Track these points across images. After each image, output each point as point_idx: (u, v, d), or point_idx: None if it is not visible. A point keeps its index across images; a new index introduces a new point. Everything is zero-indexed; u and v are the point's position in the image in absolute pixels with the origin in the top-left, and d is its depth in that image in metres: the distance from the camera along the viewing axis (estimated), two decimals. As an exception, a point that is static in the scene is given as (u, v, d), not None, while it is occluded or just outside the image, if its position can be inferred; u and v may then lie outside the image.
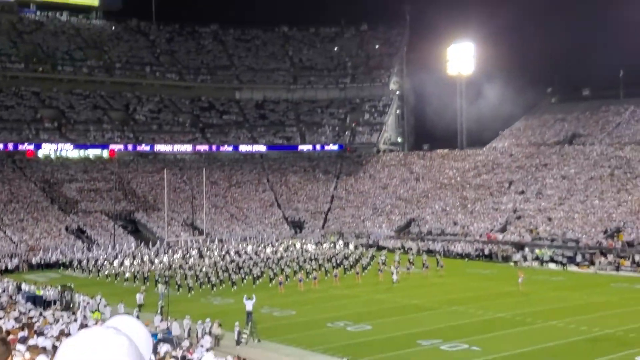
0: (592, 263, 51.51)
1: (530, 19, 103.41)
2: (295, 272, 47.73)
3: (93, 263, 53.51)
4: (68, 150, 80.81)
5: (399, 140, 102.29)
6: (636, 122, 78.91)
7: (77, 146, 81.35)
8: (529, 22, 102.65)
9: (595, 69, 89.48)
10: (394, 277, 44.23)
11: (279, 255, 56.22)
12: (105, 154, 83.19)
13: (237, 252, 57.99)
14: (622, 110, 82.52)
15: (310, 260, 52.94)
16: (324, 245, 63.75)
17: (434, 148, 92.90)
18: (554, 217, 63.10)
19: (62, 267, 56.17)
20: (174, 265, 51.07)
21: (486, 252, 58.73)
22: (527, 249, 56.69)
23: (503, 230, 64.44)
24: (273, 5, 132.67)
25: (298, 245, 62.84)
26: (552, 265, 52.74)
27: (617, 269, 49.31)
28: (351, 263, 51.39)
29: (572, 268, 51.37)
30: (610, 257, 51.63)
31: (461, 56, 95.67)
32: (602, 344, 28.03)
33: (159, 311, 33.50)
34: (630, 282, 44.26)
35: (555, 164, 74.39)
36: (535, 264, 53.48)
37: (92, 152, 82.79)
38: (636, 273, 48.00)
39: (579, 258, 52.62)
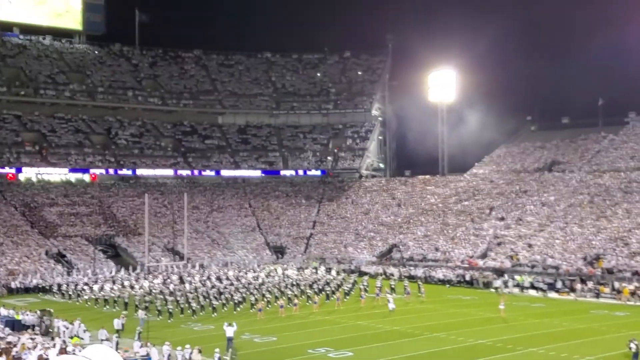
0: (572, 290, 51.77)
1: (510, 48, 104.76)
2: (277, 298, 47.56)
3: (73, 288, 53.02)
4: (49, 174, 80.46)
5: (381, 166, 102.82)
6: (614, 150, 79.85)
7: (69, 170, 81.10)
8: (509, 51, 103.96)
9: (575, 97, 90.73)
10: (390, 305, 43.30)
11: (260, 280, 56.00)
12: (86, 177, 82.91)
13: (218, 278, 57.68)
14: (601, 138, 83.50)
15: (292, 285, 52.80)
16: (306, 271, 63.60)
17: (415, 174, 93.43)
18: (534, 244, 63.50)
19: (41, 292, 55.64)
20: (154, 291, 50.73)
21: (467, 278, 58.90)
22: (507, 275, 56.93)
23: (484, 256, 64.73)
24: (256, 31, 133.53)
25: (280, 270, 62.67)
26: (532, 292, 52.98)
27: (597, 296, 49.62)
28: (333, 289, 51.31)
29: (552, 295, 51.64)
30: (590, 284, 51.96)
31: (442, 83, 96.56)
32: (582, 371, 28.19)
33: (137, 337, 33.26)
34: (610, 309, 44.55)
35: (535, 191, 75.00)
36: (516, 290, 53.69)
37: (73, 176, 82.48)
38: (616, 300, 48.32)
39: (559, 285, 52.92)
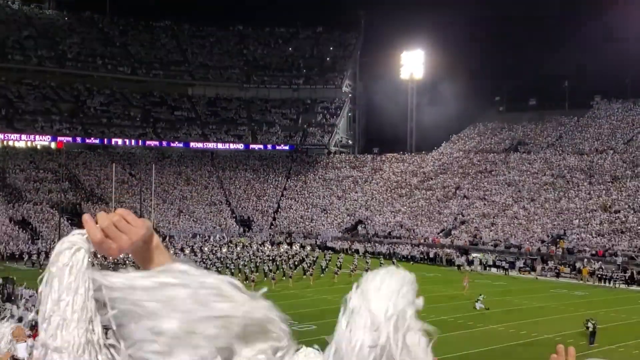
0: (533, 269, 52.86)
1: (479, 30, 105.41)
2: (252, 272, 47.41)
3: (37, 255, 52.71)
4: (15, 140, 79.45)
5: (350, 142, 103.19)
6: (579, 132, 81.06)
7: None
8: (478, 33, 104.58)
9: (542, 79, 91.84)
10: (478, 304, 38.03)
11: (235, 255, 55.73)
12: (53, 145, 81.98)
13: (192, 251, 57.42)
14: (567, 120, 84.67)
15: (269, 261, 52.54)
16: (281, 247, 63.22)
17: (383, 151, 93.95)
18: (498, 223, 64.55)
19: (5, 259, 55.23)
20: (127, 262, 50.52)
21: (431, 255, 59.70)
22: (471, 253, 57.87)
23: (448, 234, 65.67)
24: (229, 3, 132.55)
25: (254, 246, 62.31)
26: (494, 270, 53.93)
27: (557, 275, 50.72)
28: (308, 264, 50.98)
29: (514, 273, 52.65)
30: (551, 264, 53.09)
31: (413, 62, 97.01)
32: (540, 349, 28.92)
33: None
34: (569, 289, 45.58)
35: (501, 171, 76.00)
36: (479, 268, 54.62)
37: (39, 143, 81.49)
38: (575, 280, 49.43)
39: (520, 264, 53.94)
